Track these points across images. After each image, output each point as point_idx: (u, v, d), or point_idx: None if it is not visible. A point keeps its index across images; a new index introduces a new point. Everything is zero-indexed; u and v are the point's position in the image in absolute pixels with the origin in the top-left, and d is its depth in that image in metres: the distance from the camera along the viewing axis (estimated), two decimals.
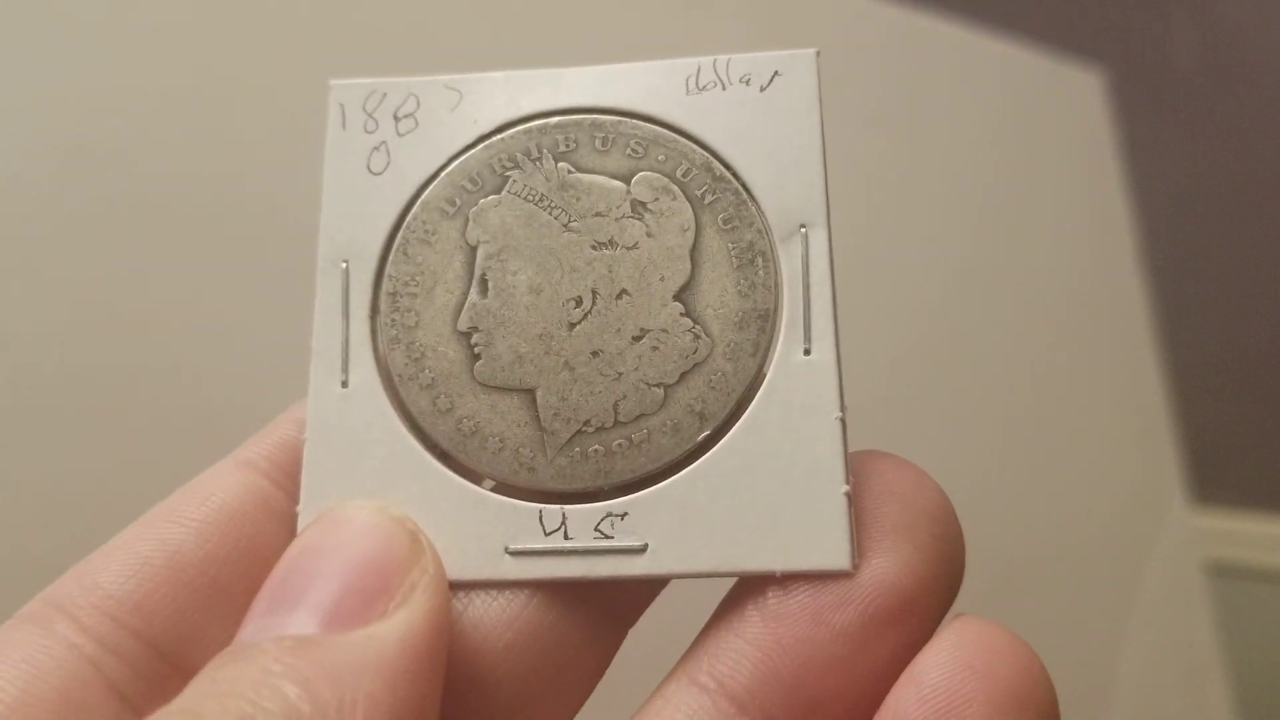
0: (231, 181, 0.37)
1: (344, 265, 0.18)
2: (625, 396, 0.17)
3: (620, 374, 0.17)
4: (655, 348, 0.17)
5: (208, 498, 0.16)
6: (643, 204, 0.17)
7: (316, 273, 0.18)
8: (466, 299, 0.17)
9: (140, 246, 0.35)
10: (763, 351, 0.17)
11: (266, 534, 0.16)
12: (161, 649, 0.15)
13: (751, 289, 0.17)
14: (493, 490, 0.17)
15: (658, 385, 0.17)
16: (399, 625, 0.14)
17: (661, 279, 0.17)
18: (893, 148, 0.53)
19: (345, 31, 0.41)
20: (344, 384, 0.17)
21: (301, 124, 0.36)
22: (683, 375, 0.17)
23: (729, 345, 0.17)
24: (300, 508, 0.17)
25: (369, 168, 0.18)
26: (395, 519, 0.16)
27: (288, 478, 0.17)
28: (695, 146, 0.18)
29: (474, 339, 0.17)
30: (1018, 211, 0.56)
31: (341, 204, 0.18)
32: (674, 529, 0.16)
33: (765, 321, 0.17)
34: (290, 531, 0.17)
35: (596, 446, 0.17)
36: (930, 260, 0.52)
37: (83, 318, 0.34)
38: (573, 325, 0.17)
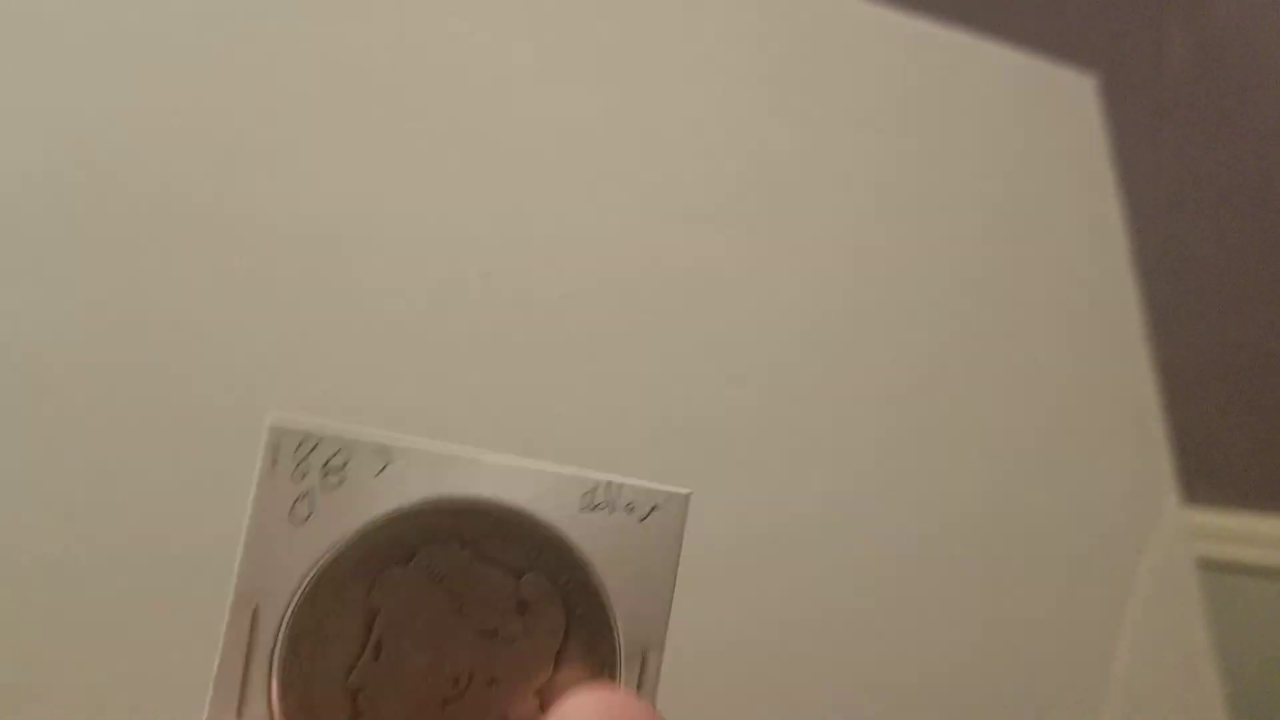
0: (227, 188, 0.37)
1: (254, 607, 0.19)
2: None
3: None
4: None
5: None
6: (526, 603, 0.19)
7: (227, 607, 0.19)
8: (361, 658, 0.19)
9: (136, 251, 0.36)
10: None
11: None
12: None
13: None
14: None
15: None
16: None
17: (528, 674, 0.19)
18: (887, 151, 0.53)
19: (339, 44, 0.42)
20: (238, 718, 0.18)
21: (297, 130, 0.37)
22: None
23: None
24: None
25: (290, 516, 0.19)
26: None
27: None
28: (579, 562, 0.20)
29: (360, 698, 0.19)
30: (1011, 214, 0.57)
31: (260, 547, 0.19)
32: None
33: None
34: None
35: None
36: (925, 262, 0.52)
37: (81, 320, 0.34)
38: (447, 702, 0.19)
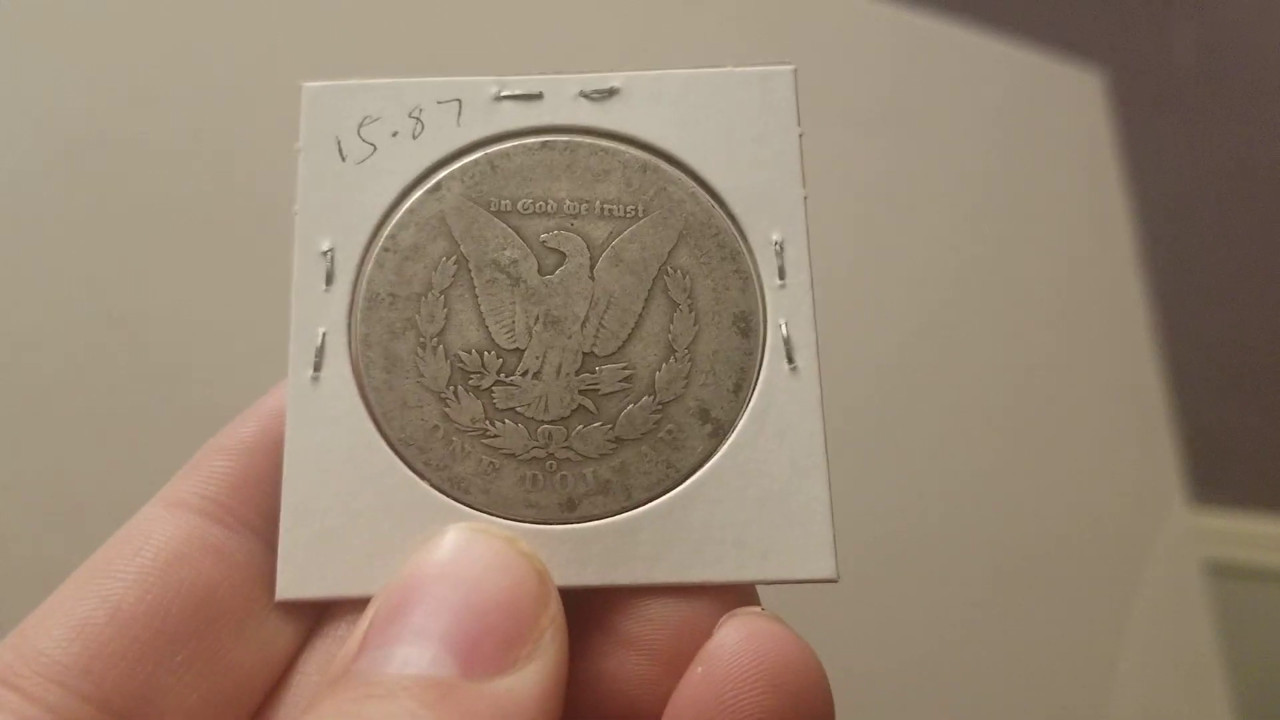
0: (227, 179, 0.37)
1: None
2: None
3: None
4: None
5: (142, 546, 0.16)
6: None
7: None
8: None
9: (134, 244, 0.35)
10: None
11: (208, 573, 0.16)
12: (116, 710, 0.15)
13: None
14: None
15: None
16: (534, 679, 0.14)
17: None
18: (893, 148, 0.53)
19: (337, 31, 0.41)
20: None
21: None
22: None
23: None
24: (284, 497, 0.16)
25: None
26: (524, 554, 0.15)
27: (222, 509, 0.16)
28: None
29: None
30: (1017, 211, 0.56)
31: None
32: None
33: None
34: (233, 566, 0.16)
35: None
36: (930, 260, 0.52)
37: (75, 316, 0.34)
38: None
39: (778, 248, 0.17)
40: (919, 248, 0.52)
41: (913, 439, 0.48)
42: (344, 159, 0.17)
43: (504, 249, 0.17)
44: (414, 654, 0.14)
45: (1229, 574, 0.67)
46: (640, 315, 0.17)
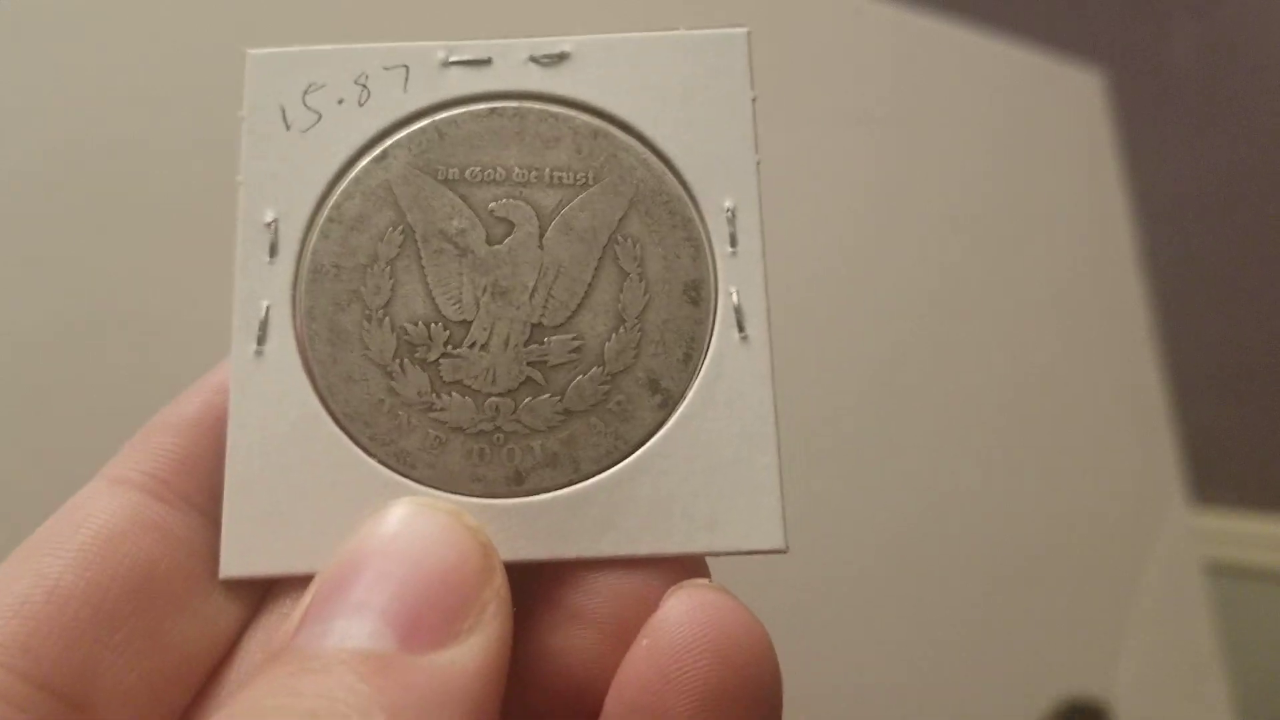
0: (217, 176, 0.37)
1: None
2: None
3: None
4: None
5: (82, 523, 0.15)
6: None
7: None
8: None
9: (137, 242, 0.35)
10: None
11: (148, 551, 0.15)
12: (54, 688, 0.14)
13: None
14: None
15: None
16: (475, 653, 0.14)
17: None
18: (892, 148, 0.53)
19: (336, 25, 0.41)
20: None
21: None
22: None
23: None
24: (227, 476, 0.16)
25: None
26: (469, 528, 0.15)
27: (165, 486, 0.16)
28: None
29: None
30: (1017, 212, 0.56)
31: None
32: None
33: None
34: (175, 544, 0.16)
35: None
36: (929, 260, 0.52)
37: (75, 315, 0.34)
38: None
39: (729, 215, 0.17)
40: (919, 248, 0.52)
41: (913, 440, 0.48)
42: (288, 128, 0.17)
43: (451, 218, 0.17)
44: (353, 627, 0.13)
45: (1229, 574, 0.67)
46: (590, 285, 0.17)
